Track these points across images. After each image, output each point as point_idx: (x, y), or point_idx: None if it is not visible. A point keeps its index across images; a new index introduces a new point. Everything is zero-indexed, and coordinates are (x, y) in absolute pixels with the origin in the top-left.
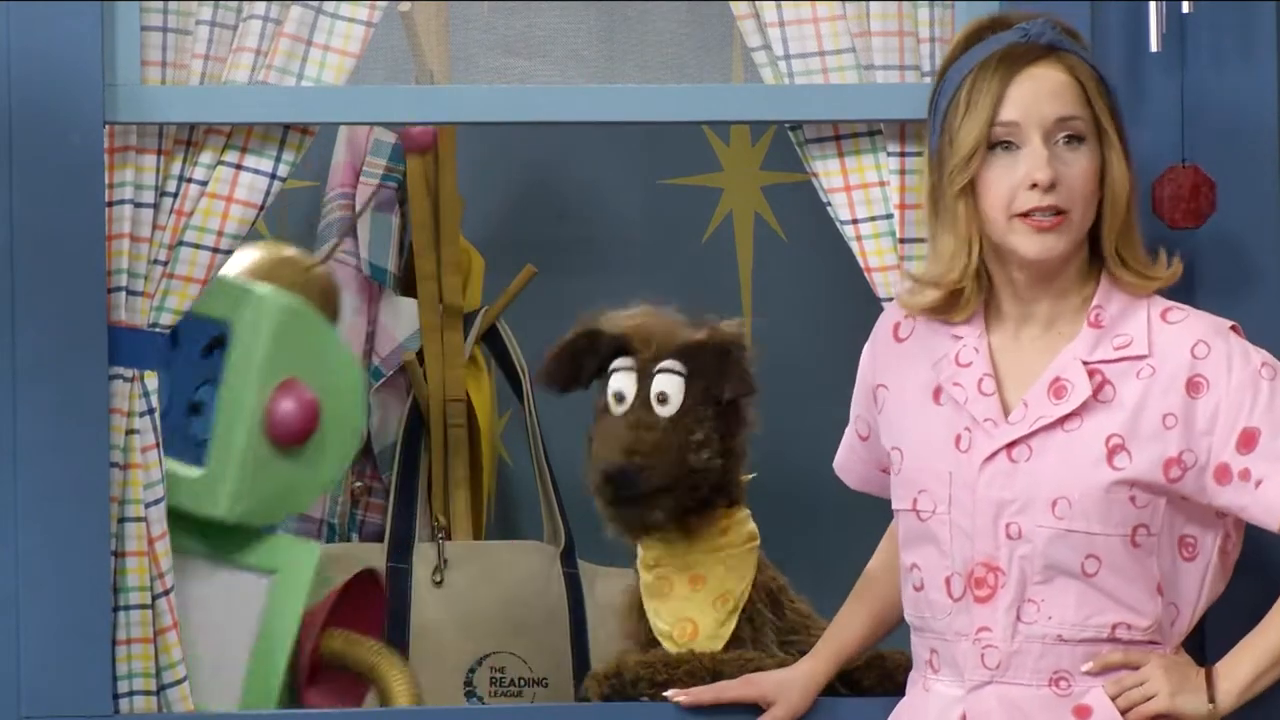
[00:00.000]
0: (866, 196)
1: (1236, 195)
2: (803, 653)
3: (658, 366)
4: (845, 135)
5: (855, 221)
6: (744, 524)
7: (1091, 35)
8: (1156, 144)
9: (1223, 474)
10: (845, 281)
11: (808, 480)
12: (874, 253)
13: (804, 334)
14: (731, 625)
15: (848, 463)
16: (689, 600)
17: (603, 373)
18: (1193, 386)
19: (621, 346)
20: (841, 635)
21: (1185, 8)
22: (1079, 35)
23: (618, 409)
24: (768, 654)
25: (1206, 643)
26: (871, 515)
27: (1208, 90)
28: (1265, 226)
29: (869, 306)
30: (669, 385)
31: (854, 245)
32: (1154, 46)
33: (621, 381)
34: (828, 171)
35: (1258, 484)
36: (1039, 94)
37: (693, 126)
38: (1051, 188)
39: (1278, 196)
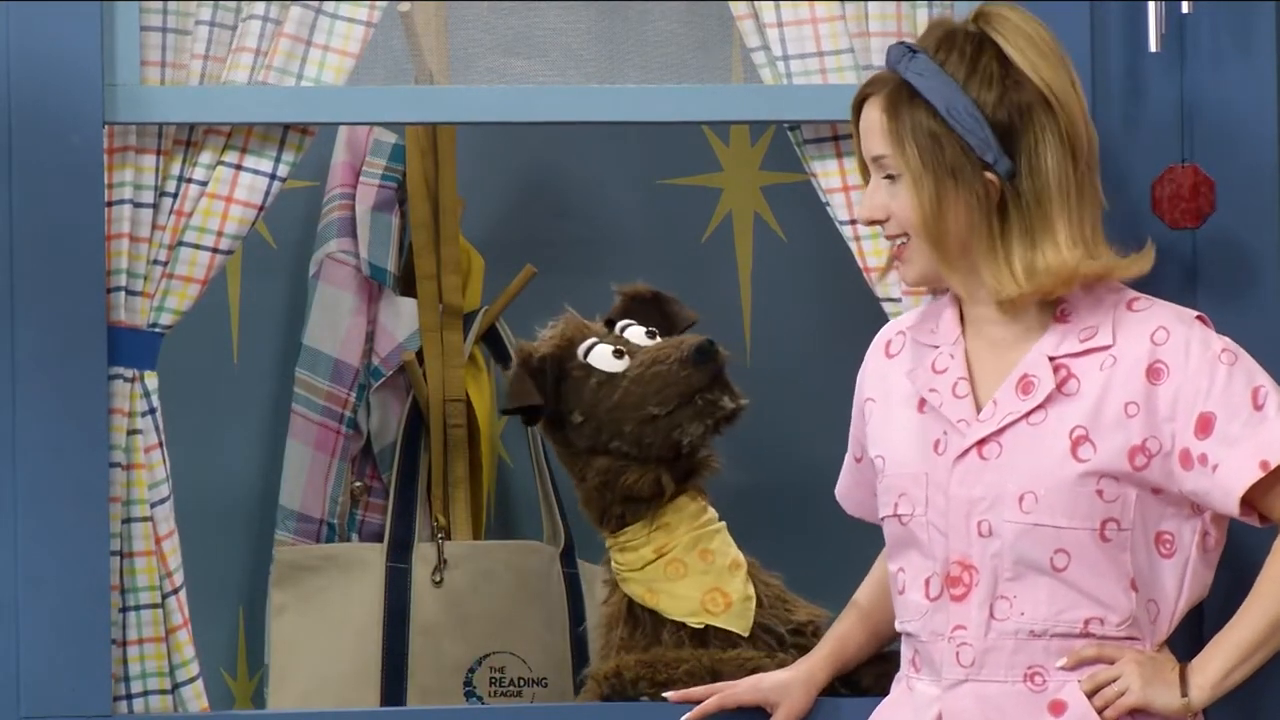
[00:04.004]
0: None
1: (1236, 194)
2: (782, 622)
3: (619, 326)
4: (844, 136)
5: (854, 222)
6: (706, 507)
7: (1091, 35)
8: (1156, 144)
9: (1185, 460)
10: (844, 281)
11: (807, 480)
12: (873, 253)
13: (803, 334)
14: (752, 589)
15: (845, 487)
16: (708, 573)
17: (558, 386)
18: (1153, 373)
19: (562, 355)
20: (841, 640)
21: (1185, 8)
22: (949, 50)
23: (626, 360)
24: (765, 647)
25: (1205, 640)
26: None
27: (1207, 90)
28: (1265, 226)
29: (868, 306)
30: (642, 331)
31: (853, 245)
32: (1153, 46)
33: (606, 349)
34: (826, 172)
35: (1214, 469)
36: (864, 132)
37: (692, 126)
38: (873, 223)
39: (1277, 196)
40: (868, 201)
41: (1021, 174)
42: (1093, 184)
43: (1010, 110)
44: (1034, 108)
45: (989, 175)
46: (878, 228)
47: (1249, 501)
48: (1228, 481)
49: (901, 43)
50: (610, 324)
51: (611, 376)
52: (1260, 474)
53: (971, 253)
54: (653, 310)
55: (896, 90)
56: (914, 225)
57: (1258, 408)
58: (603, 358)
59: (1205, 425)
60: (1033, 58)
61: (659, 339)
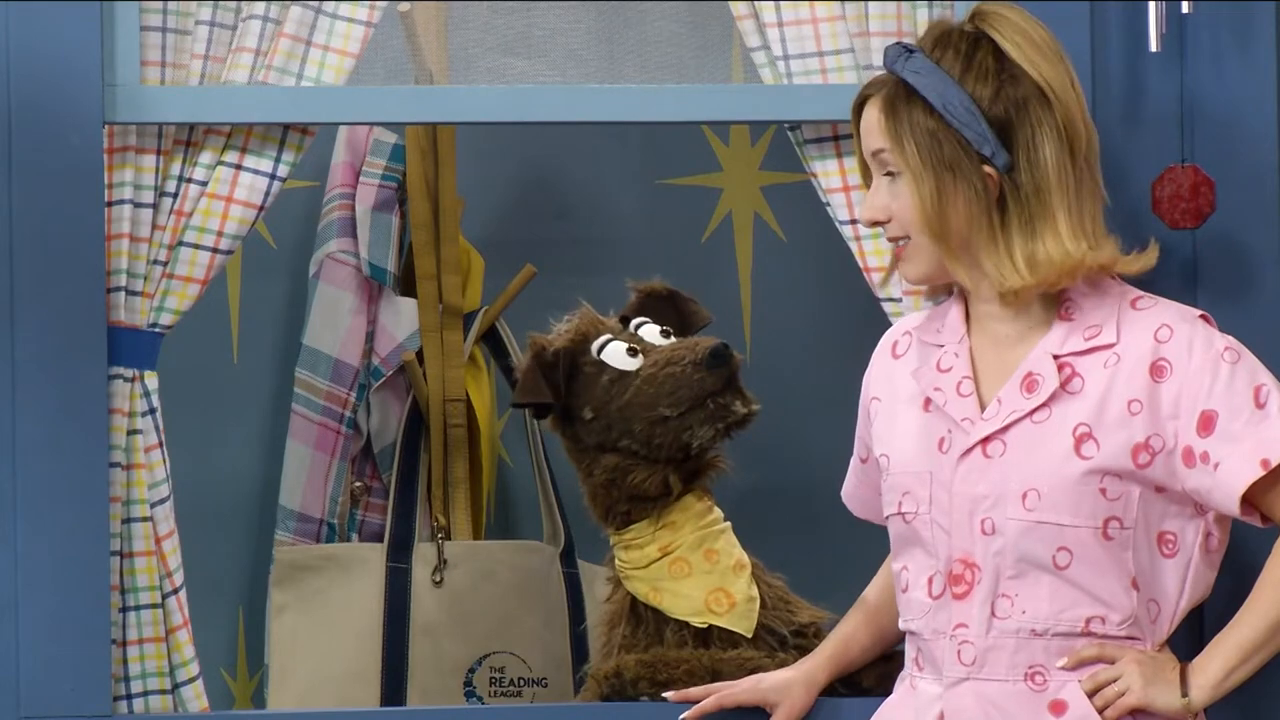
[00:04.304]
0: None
1: (1236, 194)
2: (785, 624)
3: (634, 324)
4: (844, 135)
5: (854, 222)
6: (712, 507)
7: (1091, 35)
8: (1156, 144)
9: (1188, 458)
10: (844, 282)
11: (806, 480)
12: (873, 253)
13: (803, 334)
14: (756, 590)
15: (851, 488)
16: (712, 573)
17: (570, 381)
18: (1156, 370)
19: (576, 350)
20: (844, 642)
21: (1185, 8)
22: (945, 48)
23: (639, 359)
24: (766, 647)
25: (1205, 641)
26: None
27: (1207, 90)
28: (1265, 226)
29: (868, 307)
30: (656, 330)
31: (853, 245)
32: (1154, 46)
33: (620, 346)
34: (826, 172)
35: (1215, 467)
36: (864, 131)
37: (692, 126)
38: (875, 224)
39: (1277, 196)
40: (869, 202)
41: (1020, 167)
42: (1093, 178)
43: (1007, 104)
44: (1030, 102)
45: (987, 169)
46: (879, 228)
47: (1250, 501)
48: (1229, 480)
49: (898, 43)
50: (625, 321)
51: (624, 374)
52: (1261, 472)
53: (973, 248)
54: (668, 308)
55: (894, 89)
56: (915, 221)
57: (1259, 406)
58: (616, 355)
59: (1207, 423)
60: (1029, 53)
61: (673, 338)
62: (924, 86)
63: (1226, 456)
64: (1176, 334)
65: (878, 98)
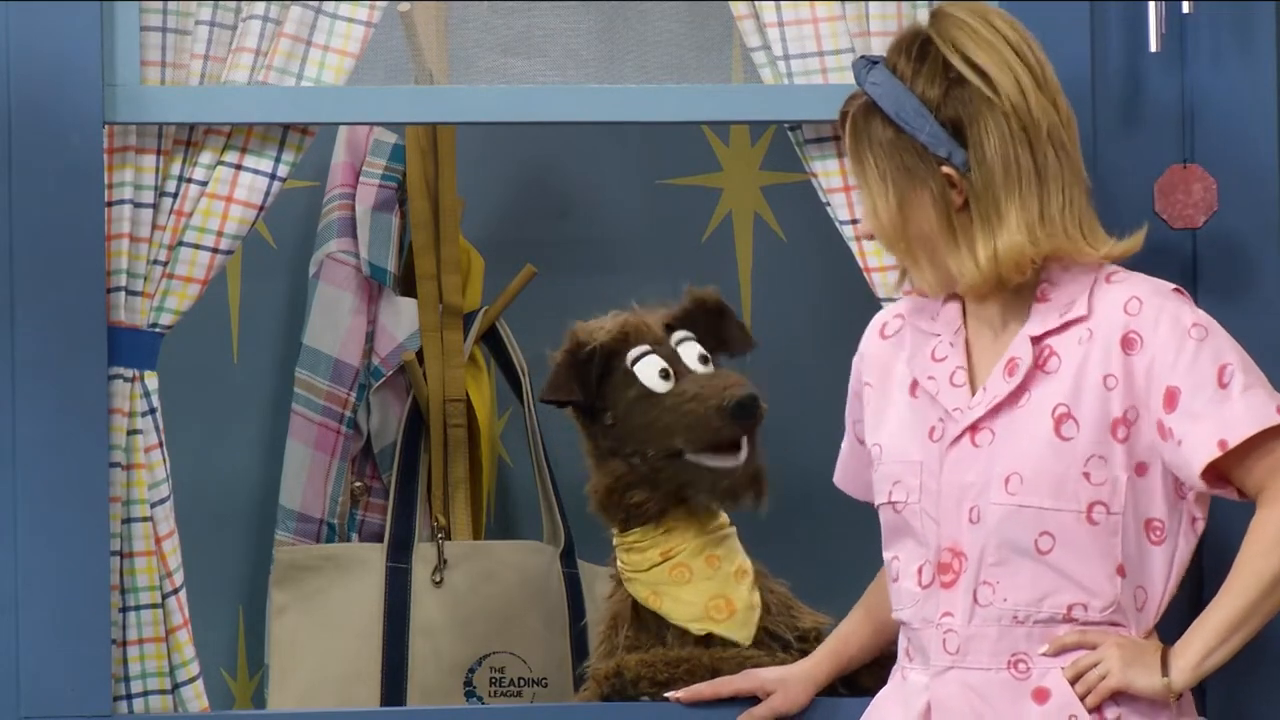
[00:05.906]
0: None
1: (1237, 194)
2: (789, 629)
3: (675, 338)
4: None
5: (854, 222)
6: (717, 512)
7: (1091, 35)
8: (1157, 144)
9: (1160, 431)
10: (844, 281)
11: (807, 479)
12: (873, 253)
13: (803, 334)
14: (758, 597)
15: (847, 470)
16: (713, 579)
17: (601, 380)
18: (1127, 344)
19: (614, 350)
20: (844, 639)
21: (1185, 8)
22: (900, 54)
23: (670, 383)
24: (769, 651)
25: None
26: (872, 513)
27: (1208, 90)
28: (1266, 225)
29: (868, 307)
30: (697, 351)
31: (853, 245)
32: (1154, 46)
33: (654, 364)
34: (827, 172)
35: (1179, 443)
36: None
37: (692, 126)
38: (874, 238)
39: (1278, 195)
40: (864, 215)
41: (973, 164)
42: (1063, 166)
43: (956, 104)
44: (976, 99)
45: (946, 170)
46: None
47: (1224, 476)
48: (1189, 457)
49: (864, 56)
50: (670, 328)
51: (650, 395)
52: (1218, 453)
53: (940, 250)
54: (714, 322)
55: (859, 106)
56: (879, 230)
57: (1222, 386)
58: (649, 372)
59: (1170, 399)
60: (970, 49)
61: (710, 366)
62: (880, 97)
63: (1187, 434)
64: (1146, 306)
65: (848, 117)
